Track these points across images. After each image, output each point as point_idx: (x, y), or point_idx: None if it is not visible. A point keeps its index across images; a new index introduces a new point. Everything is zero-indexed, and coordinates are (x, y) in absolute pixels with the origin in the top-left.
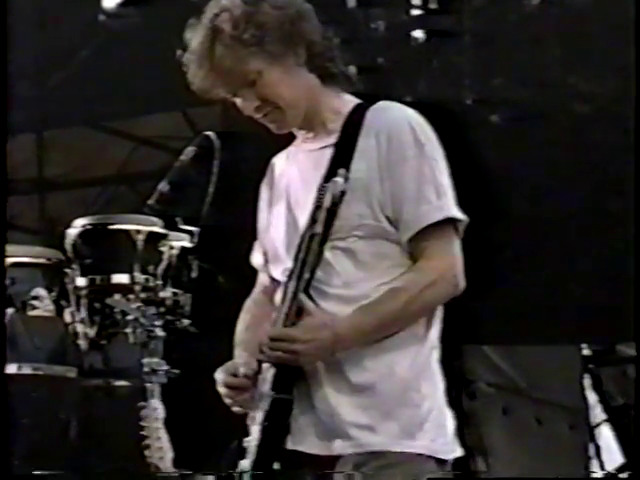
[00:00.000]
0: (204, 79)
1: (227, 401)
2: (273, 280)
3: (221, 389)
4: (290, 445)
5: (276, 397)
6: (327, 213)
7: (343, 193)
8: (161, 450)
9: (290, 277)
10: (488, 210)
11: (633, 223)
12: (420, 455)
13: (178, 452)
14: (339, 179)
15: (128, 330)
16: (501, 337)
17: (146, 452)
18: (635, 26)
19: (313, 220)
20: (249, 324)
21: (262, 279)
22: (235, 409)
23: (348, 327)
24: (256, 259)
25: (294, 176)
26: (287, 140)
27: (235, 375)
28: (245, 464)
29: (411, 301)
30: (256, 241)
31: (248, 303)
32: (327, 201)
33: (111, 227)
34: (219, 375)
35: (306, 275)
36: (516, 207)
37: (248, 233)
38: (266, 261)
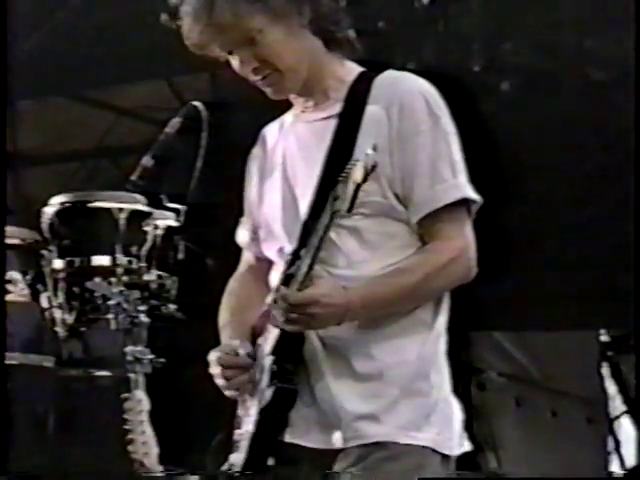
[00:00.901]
0: (201, 34)
1: (221, 383)
2: (259, 259)
3: (215, 369)
4: (288, 438)
5: (280, 387)
6: (356, 188)
7: (374, 167)
8: (146, 445)
9: (297, 257)
10: (498, 188)
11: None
12: (425, 448)
13: (164, 447)
14: (371, 151)
15: (110, 316)
16: (513, 323)
17: (130, 447)
18: (635, 26)
19: (335, 197)
20: (235, 307)
21: (247, 258)
22: (229, 393)
23: (361, 296)
24: (242, 236)
25: (291, 148)
26: (282, 110)
27: (232, 355)
28: (236, 459)
29: (424, 280)
30: (242, 217)
31: (232, 284)
32: (358, 175)
33: (91, 205)
34: (214, 354)
35: (322, 250)
36: (529, 185)
37: (239, 211)
38: (253, 239)
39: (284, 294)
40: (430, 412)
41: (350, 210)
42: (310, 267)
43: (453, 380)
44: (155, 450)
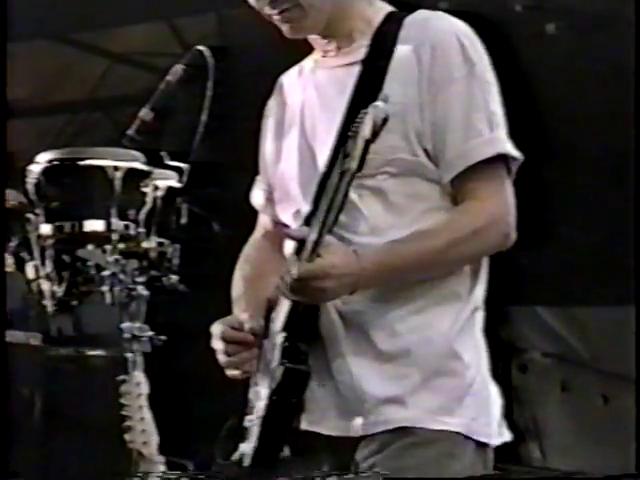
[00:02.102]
0: None
1: (222, 360)
2: (277, 223)
3: (217, 344)
4: (304, 425)
5: (290, 367)
6: (365, 145)
7: (385, 121)
8: (145, 433)
9: (309, 219)
10: (541, 145)
11: None
12: (457, 434)
13: (165, 435)
14: (380, 103)
15: (104, 288)
16: (558, 296)
17: (127, 436)
18: (635, 26)
19: (345, 154)
20: (249, 276)
21: (263, 222)
22: (231, 372)
23: (375, 262)
24: (257, 198)
25: (311, 98)
26: (299, 56)
27: (236, 328)
28: (246, 449)
29: (454, 245)
30: (258, 176)
31: (246, 251)
32: (366, 130)
33: (82, 163)
34: (217, 327)
35: (331, 219)
36: (575, 142)
37: (249, 170)
38: (268, 200)
39: (289, 267)
40: (464, 394)
41: (360, 169)
42: (319, 234)
43: (491, 361)
44: (155, 439)
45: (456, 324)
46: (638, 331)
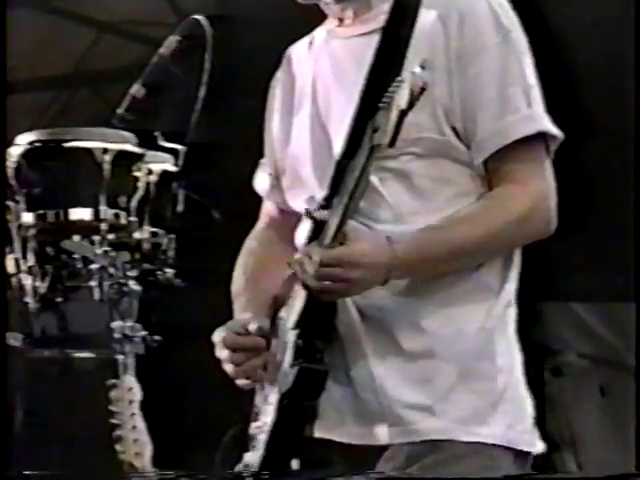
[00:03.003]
0: None
1: (230, 370)
2: (283, 211)
3: (222, 353)
4: (317, 433)
5: (305, 367)
6: (400, 117)
7: (423, 89)
8: (137, 443)
9: (327, 207)
10: (579, 123)
11: None
12: (494, 446)
13: (159, 445)
14: (419, 69)
15: (92, 283)
16: (596, 291)
17: (118, 446)
18: (635, 26)
19: (374, 127)
20: (252, 272)
21: (268, 210)
22: (241, 381)
23: (410, 250)
24: (261, 183)
25: (324, 72)
26: (309, 26)
27: (241, 334)
28: (251, 459)
29: (495, 232)
30: (263, 159)
31: (249, 243)
32: (402, 100)
33: (67, 145)
34: (220, 334)
35: (356, 201)
36: (615, 118)
37: (253, 152)
38: (274, 185)
39: (311, 252)
40: (498, 400)
41: (392, 144)
42: (343, 218)
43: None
44: (149, 449)
45: (488, 321)
46: (638, 330)
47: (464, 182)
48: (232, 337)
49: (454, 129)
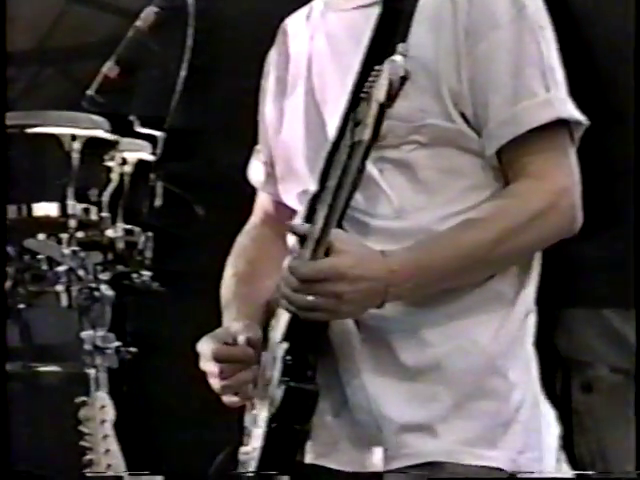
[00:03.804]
0: None
1: (216, 385)
2: (280, 205)
3: (207, 365)
4: (310, 458)
5: (293, 386)
6: (379, 110)
7: (404, 79)
8: (110, 469)
9: (314, 203)
10: (602, 107)
11: None
12: (500, 471)
13: (136, 470)
14: (398, 57)
15: (59, 288)
16: (630, 296)
17: (88, 472)
18: (635, 26)
19: (356, 121)
20: (243, 274)
21: (263, 203)
22: (227, 398)
23: (409, 264)
24: (255, 173)
25: (320, 49)
26: None
27: (230, 344)
28: None
29: (505, 237)
30: (257, 146)
31: (241, 241)
32: (380, 92)
33: (31, 130)
34: (206, 345)
35: (341, 201)
36: None
37: (240, 139)
38: (270, 175)
39: (291, 265)
40: (509, 421)
41: (374, 140)
42: (327, 221)
43: (544, 378)
44: (124, 476)
45: (500, 333)
46: (638, 333)
47: (475, 174)
48: (219, 347)
49: (463, 115)
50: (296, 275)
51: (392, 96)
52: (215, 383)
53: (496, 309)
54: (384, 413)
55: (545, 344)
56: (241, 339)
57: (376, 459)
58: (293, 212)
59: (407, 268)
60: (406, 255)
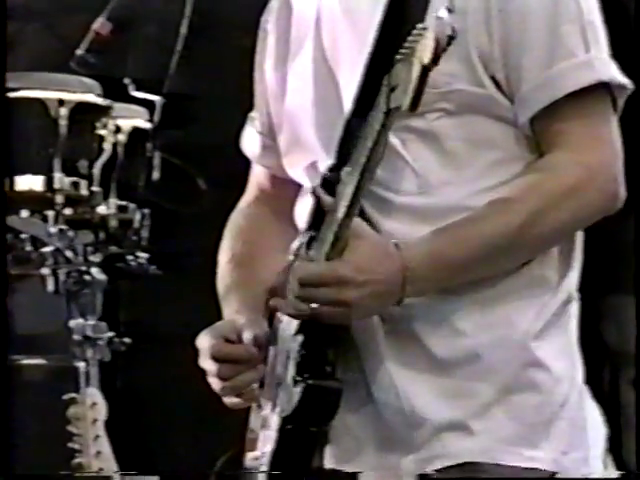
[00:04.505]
0: None
1: (217, 386)
2: (277, 180)
3: (207, 363)
4: (330, 463)
5: (311, 384)
6: (422, 73)
7: (452, 39)
8: (103, 473)
9: (331, 182)
10: None
11: None
12: (542, 471)
13: (129, 473)
14: (445, 14)
15: (44, 271)
16: None
17: (78, 476)
18: (635, 26)
19: (391, 86)
20: (242, 256)
21: (259, 178)
22: (229, 400)
23: (427, 257)
24: (250, 143)
25: (331, 7)
26: None
27: (232, 341)
28: None
29: (537, 219)
30: (251, 113)
31: (234, 220)
32: (426, 51)
33: (14, 95)
34: (204, 340)
35: (370, 177)
36: None
37: (251, 104)
38: (266, 147)
39: (294, 267)
40: (552, 418)
41: (414, 107)
42: (353, 201)
43: (590, 372)
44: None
45: (541, 320)
46: (638, 330)
47: (507, 145)
48: (219, 345)
49: (494, 79)
50: (297, 279)
51: (437, 57)
52: (215, 384)
53: (536, 295)
54: (416, 411)
55: (590, 335)
56: (247, 337)
57: (406, 462)
58: (294, 187)
59: (425, 262)
60: (423, 247)
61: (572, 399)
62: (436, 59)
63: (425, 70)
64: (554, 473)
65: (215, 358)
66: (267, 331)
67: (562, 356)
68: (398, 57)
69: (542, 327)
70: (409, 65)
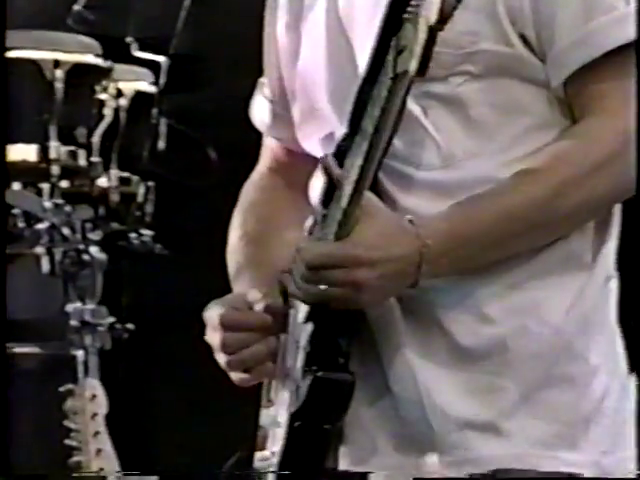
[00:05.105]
0: None
1: (223, 359)
2: (291, 153)
3: (214, 335)
4: (344, 464)
5: (322, 377)
6: (429, 34)
7: (459, 0)
8: (103, 472)
9: (343, 151)
10: None
11: None
12: (581, 477)
13: (131, 472)
14: None
15: (39, 250)
16: None
17: (76, 476)
18: (636, 26)
19: (399, 48)
20: (255, 232)
21: (271, 150)
22: (238, 376)
23: (445, 235)
24: (260, 112)
25: None
26: None
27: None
28: None
29: (569, 190)
30: (261, 79)
31: (247, 194)
32: (432, 11)
33: (6, 55)
34: (212, 311)
35: (380, 148)
36: None
37: (260, 65)
38: (278, 116)
39: (300, 247)
40: (591, 415)
41: (422, 72)
42: (362, 174)
43: (632, 361)
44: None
45: (578, 305)
46: (638, 328)
47: (539, 110)
48: (228, 312)
49: (523, 37)
50: (303, 260)
51: (445, 17)
52: (222, 357)
53: (572, 275)
54: (437, 407)
55: (626, 318)
56: (258, 306)
57: (428, 464)
58: (309, 159)
59: (443, 239)
60: (442, 223)
61: (613, 392)
62: (444, 19)
63: (432, 31)
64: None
65: (223, 325)
66: (283, 307)
67: (601, 345)
68: (405, 17)
69: (578, 312)
70: (415, 25)
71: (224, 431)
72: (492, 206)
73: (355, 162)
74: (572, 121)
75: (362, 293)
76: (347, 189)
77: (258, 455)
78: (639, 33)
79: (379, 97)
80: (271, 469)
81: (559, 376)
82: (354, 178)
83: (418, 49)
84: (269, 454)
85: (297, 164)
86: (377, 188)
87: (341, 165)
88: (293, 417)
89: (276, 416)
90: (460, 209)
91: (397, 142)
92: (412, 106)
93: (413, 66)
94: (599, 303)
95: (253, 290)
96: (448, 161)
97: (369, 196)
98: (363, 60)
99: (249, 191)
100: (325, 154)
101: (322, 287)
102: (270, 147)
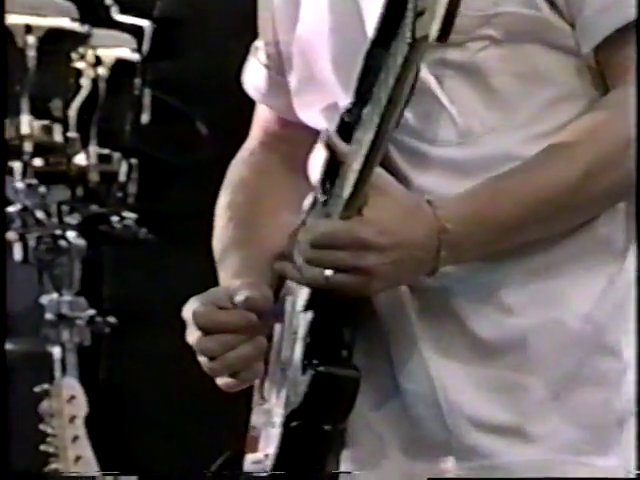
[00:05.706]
0: None
1: (206, 363)
2: (287, 124)
3: (194, 335)
4: (345, 467)
5: (322, 372)
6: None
7: None
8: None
9: (349, 123)
10: None
11: None
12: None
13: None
14: None
15: (10, 236)
16: None
17: (60, 476)
18: (636, 25)
19: (417, 10)
20: (244, 213)
21: (265, 119)
22: (223, 381)
23: (465, 217)
24: (254, 78)
25: None
26: None
27: (226, 309)
28: None
29: (603, 167)
30: (256, 42)
31: (237, 170)
32: None
33: None
34: (191, 307)
35: (393, 121)
36: None
37: (254, 30)
38: (274, 83)
39: (307, 226)
40: (623, 416)
41: (444, 37)
42: (372, 149)
43: None
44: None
45: (609, 295)
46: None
47: (567, 80)
48: (209, 310)
49: (550, 0)
50: (307, 238)
51: None
52: (204, 361)
53: (602, 262)
54: (454, 406)
55: None
56: (239, 298)
57: (448, 470)
58: (311, 130)
59: (465, 223)
60: (463, 205)
61: None
62: None
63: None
64: None
65: (203, 328)
66: (270, 298)
67: (631, 337)
68: None
69: (609, 303)
70: None
71: (211, 432)
72: (520, 186)
73: (365, 135)
74: (602, 92)
75: (370, 280)
76: (355, 165)
77: (250, 457)
78: (638, 28)
79: (394, 64)
80: (263, 473)
81: (590, 374)
82: (364, 152)
83: (441, 10)
84: (262, 456)
85: (294, 137)
86: (387, 165)
87: (346, 139)
88: (290, 416)
89: (270, 415)
90: (484, 189)
91: (409, 115)
92: (425, 75)
93: (435, 30)
94: (632, 293)
95: (234, 280)
96: (465, 136)
97: (380, 172)
98: (372, 23)
99: (238, 168)
100: (327, 130)
101: (327, 272)
102: (263, 118)
